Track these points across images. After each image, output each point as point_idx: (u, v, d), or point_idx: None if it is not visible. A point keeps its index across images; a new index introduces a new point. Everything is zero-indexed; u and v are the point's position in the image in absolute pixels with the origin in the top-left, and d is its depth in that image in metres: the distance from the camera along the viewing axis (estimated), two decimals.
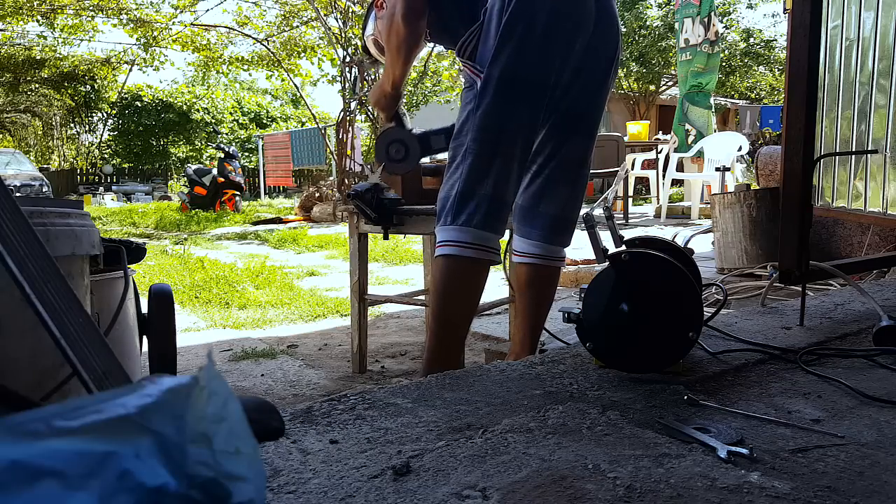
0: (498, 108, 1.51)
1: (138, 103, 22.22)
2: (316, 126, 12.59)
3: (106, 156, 22.14)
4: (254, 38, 13.33)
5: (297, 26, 12.84)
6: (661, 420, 1.03)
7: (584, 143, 1.68)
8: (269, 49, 13.10)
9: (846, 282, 1.96)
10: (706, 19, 7.65)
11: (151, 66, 14.57)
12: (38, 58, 17.57)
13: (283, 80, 14.82)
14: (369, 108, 9.83)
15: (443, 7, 1.63)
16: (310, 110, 13.69)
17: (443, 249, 1.54)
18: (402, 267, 5.17)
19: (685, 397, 1.12)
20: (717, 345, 1.46)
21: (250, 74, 18.36)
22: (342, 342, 2.97)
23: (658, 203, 7.51)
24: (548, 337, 1.88)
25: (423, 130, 1.88)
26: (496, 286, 4.10)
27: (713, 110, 8.26)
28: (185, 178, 12.65)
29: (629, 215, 7.23)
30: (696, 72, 7.75)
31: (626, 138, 8.63)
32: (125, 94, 21.62)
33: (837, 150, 2.87)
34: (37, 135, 22.85)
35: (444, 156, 1.73)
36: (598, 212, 1.38)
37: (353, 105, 9.65)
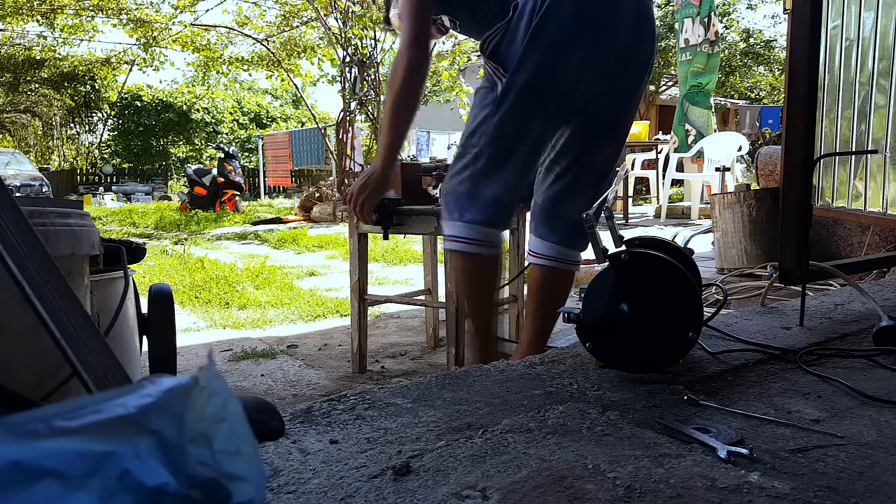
0: (517, 117, 1.50)
1: (138, 103, 22.24)
2: (316, 126, 12.59)
3: (106, 156, 22.16)
4: (254, 39, 13.33)
5: (297, 26, 12.84)
6: (661, 420, 1.03)
7: (612, 148, 1.67)
8: (269, 49, 13.09)
9: (846, 282, 1.96)
10: (706, 19, 7.66)
11: (151, 66, 14.56)
12: (38, 58, 17.56)
13: (283, 80, 14.81)
14: (369, 108, 9.83)
15: None
16: (310, 110, 13.68)
17: (450, 244, 1.60)
18: (402, 267, 5.17)
19: (685, 397, 1.12)
20: (717, 345, 1.46)
21: (250, 74, 18.34)
22: (342, 342, 2.97)
23: (658, 203, 7.51)
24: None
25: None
26: None
27: (713, 110, 8.26)
28: (185, 178, 12.65)
29: (629, 215, 7.23)
30: (696, 72, 7.75)
31: None
32: (125, 94, 21.62)
33: (837, 150, 2.87)
34: (37, 135, 22.85)
35: (443, 155, 1.74)
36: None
37: (353, 105, 9.65)
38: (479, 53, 1.62)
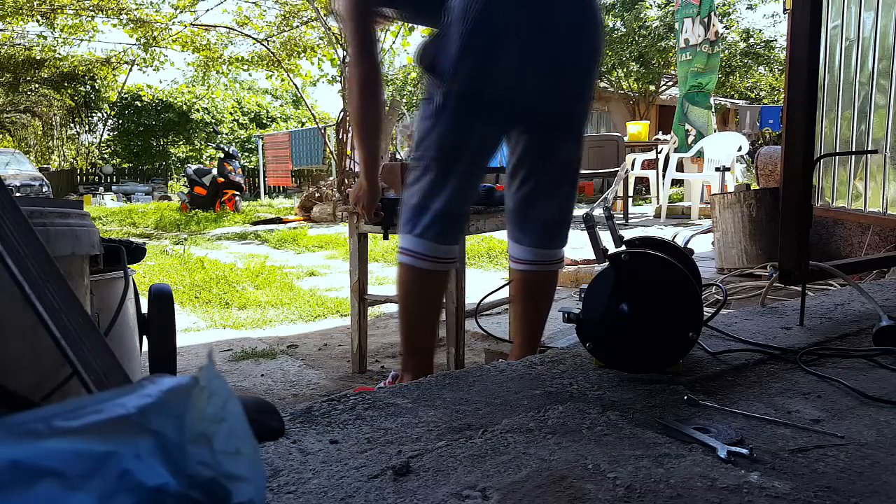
0: (457, 127, 1.50)
1: (138, 103, 22.22)
2: (316, 126, 12.60)
3: (106, 156, 22.14)
4: (254, 38, 13.33)
5: (297, 26, 12.84)
6: (661, 420, 1.03)
7: (573, 143, 1.64)
8: (269, 49, 13.10)
9: (846, 282, 1.96)
10: (706, 19, 7.65)
11: (151, 66, 14.56)
12: (38, 58, 17.54)
13: (283, 80, 14.80)
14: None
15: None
16: (310, 110, 13.68)
17: (401, 257, 1.59)
18: None
19: (685, 397, 1.12)
20: (717, 345, 1.46)
21: (250, 74, 18.34)
22: (342, 342, 2.97)
23: (658, 203, 7.51)
24: (547, 338, 1.88)
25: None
26: (496, 286, 4.09)
27: (713, 110, 8.26)
28: (185, 178, 12.64)
29: (629, 215, 7.23)
30: (696, 72, 7.75)
31: (625, 138, 8.62)
32: (125, 94, 21.61)
33: (837, 150, 2.87)
34: (37, 135, 22.83)
35: None
36: (598, 212, 1.38)
37: None
38: None
